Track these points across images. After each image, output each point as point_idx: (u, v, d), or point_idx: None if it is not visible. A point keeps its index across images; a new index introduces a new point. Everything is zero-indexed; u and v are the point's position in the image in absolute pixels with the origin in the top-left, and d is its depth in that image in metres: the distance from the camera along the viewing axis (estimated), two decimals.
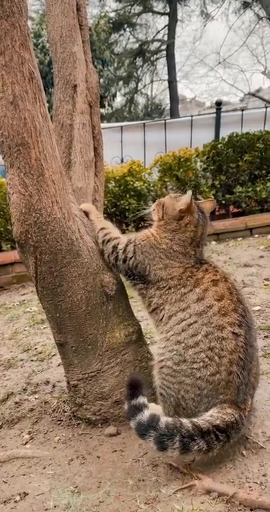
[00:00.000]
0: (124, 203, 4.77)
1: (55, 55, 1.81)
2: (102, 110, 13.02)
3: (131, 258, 1.62)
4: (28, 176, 1.44)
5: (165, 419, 1.36)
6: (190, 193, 1.62)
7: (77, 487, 1.44)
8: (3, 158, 1.48)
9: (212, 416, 1.38)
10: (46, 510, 1.34)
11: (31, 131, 1.41)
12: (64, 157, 1.78)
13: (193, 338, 1.46)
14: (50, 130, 1.48)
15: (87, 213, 1.75)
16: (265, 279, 3.26)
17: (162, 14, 17.04)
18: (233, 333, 1.44)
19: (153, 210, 1.73)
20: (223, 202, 5.23)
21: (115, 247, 1.66)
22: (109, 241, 1.68)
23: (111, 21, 13.96)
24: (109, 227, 1.74)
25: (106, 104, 13.03)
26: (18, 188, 1.46)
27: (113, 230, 1.73)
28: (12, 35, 1.32)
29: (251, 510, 1.22)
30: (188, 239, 1.62)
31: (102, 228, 1.72)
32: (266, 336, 2.36)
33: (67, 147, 1.80)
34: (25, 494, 1.42)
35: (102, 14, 12.51)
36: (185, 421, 1.36)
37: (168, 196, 1.74)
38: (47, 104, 1.51)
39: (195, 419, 1.37)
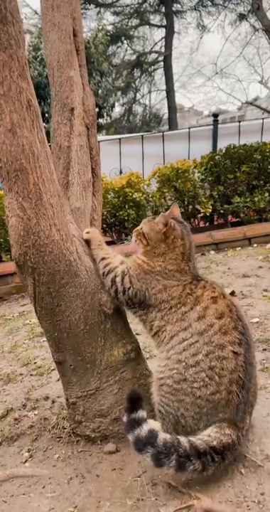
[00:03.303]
0: (123, 214, 4.82)
1: (52, 79, 1.85)
2: (101, 120, 13.12)
3: (129, 288, 1.62)
4: (27, 200, 1.48)
5: (163, 437, 1.38)
6: (161, 214, 1.65)
7: (76, 507, 1.45)
8: (1, 183, 1.52)
9: (209, 436, 1.40)
10: None
11: (29, 157, 1.45)
12: (62, 178, 1.82)
13: (194, 358, 1.47)
14: (47, 155, 1.51)
15: (88, 242, 1.74)
16: (264, 290, 3.28)
17: (159, 27, 17.27)
18: (233, 352, 1.45)
19: (135, 241, 1.73)
20: (222, 212, 5.28)
21: (113, 281, 1.65)
22: (108, 273, 1.67)
23: (108, 34, 14.14)
24: (109, 255, 1.72)
25: (104, 114, 13.14)
26: (16, 211, 1.49)
27: (113, 259, 1.71)
28: (10, 67, 1.37)
29: None
30: (179, 255, 1.63)
31: (103, 258, 1.70)
32: (264, 349, 2.37)
33: (65, 168, 1.83)
34: None
35: (100, 27, 12.66)
36: (182, 440, 1.38)
37: (143, 223, 1.73)
38: (45, 127, 1.55)
39: (192, 439, 1.39)
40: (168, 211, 1.77)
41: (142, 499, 1.43)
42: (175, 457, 1.33)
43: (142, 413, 1.42)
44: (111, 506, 1.42)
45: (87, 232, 1.76)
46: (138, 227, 1.75)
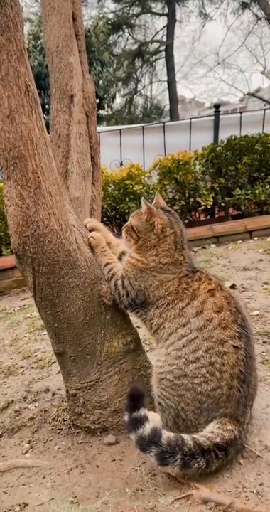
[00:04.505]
0: (124, 207, 4.79)
1: (51, 65, 1.82)
2: (101, 112, 13.02)
3: (131, 290, 1.61)
4: (25, 189, 1.45)
5: (167, 435, 1.36)
6: (142, 199, 1.63)
7: (76, 497, 1.45)
8: (0, 171, 1.49)
9: (212, 433, 1.39)
10: None
11: (28, 144, 1.42)
12: (61, 167, 1.80)
13: (194, 354, 1.45)
14: (46, 142, 1.49)
15: (92, 248, 1.72)
16: (264, 283, 3.27)
17: (160, 15, 17.06)
18: (234, 346, 1.44)
19: (126, 237, 1.70)
20: (222, 204, 5.24)
21: (116, 285, 1.65)
22: (111, 278, 1.67)
23: (109, 22, 13.98)
24: (113, 259, 1.72)
25: (105, 105, 13.04)
26: (15, 200, 1.47)
27: (116, 264, 1.71)
28: (8, 50, 1.34)
29: None
30: (172, 244, 1.61)
31: (106, 264, 1.70)
32: (264, 342, 2.36)
33: (64, 157, 1.81)
34: (25, 505, 1.43)
35: (101, 15, 12.51)
36: (186, 438, 1.37)
37: (131, 216, 1.71)
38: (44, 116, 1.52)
39: (196, 436, 1.38)
40: (153, 201, 1.74)
41: (141, 489, 1.43)
42: (179, 456, 1.32)
43: (144, 411, 1.41)
44: (111, 496, 1.41)
45: (92, 237, 1.73)
46: (128, 222, 1.71)
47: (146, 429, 1.36)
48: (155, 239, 1.62)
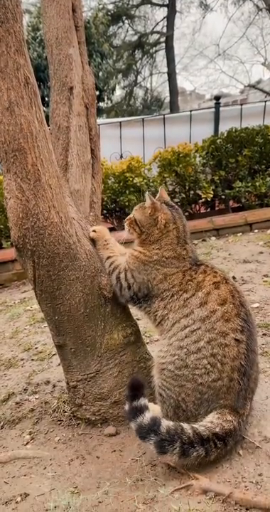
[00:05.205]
0: (124, 199, 4.77)
1: (50, 56, 1.80)
2: (101, 104, 12.93)
3: (133, 283, 1.62)
4: (25, 181, 1.45)
5: (166, 424, 1.37)
6: (147, 194, 1.63)
7: (76, 487, 1.46)
8: (0, 164, 1.49)
9: (212, 423, 1.40)
10: (46, 510, 1.36)
11: (27, 137, 1.41)
12: (61, 159, 1.79)
13: (196, 344, 1.46)
14: (46, 135, 1.48)
15: (94, 241, 1.72)
16: (264, 276, 3.27)
17: (161, 6, 16.88)
18: (235, 339, 1.44)
19: (129, 230, 1.70)
20: (223, 197, 5.23)
21: (118, 278, 1.65)
22: (113, 271, 1.67)
23: (109, 13, 13.83)
24: (114, 253, 1.71)
25: (105, 97, 12.94)
26: (15, 193, 1.47)
27: (118, 257, 1.70)
28: (7, 42, 1.32)
29: (246, 509, 1.24)
30: (174, 239, 1.61)
31: (108, 257, 1.70)
32: (264, 334, 2.37)
33: (64, 149, 1.80)
34: (26, 495, 1.45)
35: (100, 6, 12.37)
36: (186, 426, 1.38)
37: (135, 210, 1.71)
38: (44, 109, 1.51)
39: (195, 426, 1.39)
40: (157, 195, 1.75)
41: (141, 479, 1.45)
42: (178, 444, 1.33)
43: (144, 401, 1.42)
44: (111, 486, 1.43)
45: (93, 231, 1.73)
46: (130, 215, 1.72)
47: (146, 417, 1.38)
48: (158, 233, 1.62)
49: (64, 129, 1.79)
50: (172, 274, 1.58)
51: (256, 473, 1.37)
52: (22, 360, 2.52)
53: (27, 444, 1.76)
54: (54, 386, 2.14)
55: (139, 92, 19.19)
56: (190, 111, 5.89)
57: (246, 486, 1.33)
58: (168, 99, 17.95)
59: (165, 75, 17.41)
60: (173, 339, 1.52)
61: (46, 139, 1.48)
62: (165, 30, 16.58)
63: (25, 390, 2.15)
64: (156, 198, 1.70)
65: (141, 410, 1.40)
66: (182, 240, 1.63)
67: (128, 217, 1.73)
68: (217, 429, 1.38)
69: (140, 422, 1.38)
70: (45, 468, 1.60)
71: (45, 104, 8.69)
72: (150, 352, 1.86)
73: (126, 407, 1.44)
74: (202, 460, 1.37)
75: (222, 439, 1.38)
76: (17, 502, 1.43)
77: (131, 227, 1.68)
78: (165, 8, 16.50)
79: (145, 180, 4.84)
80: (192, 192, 5.09)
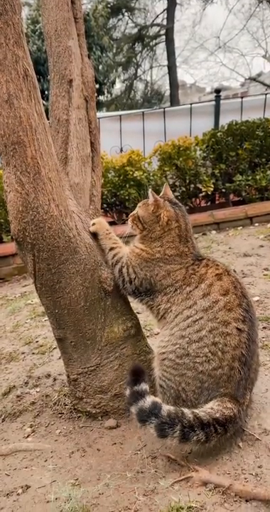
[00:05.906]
0: (124, 193, 4.76)
1: (50, 49, 1.79)
2: (101, 97, 12.84)
3: (135, 278, 1.63)
4: (25, 174, 1.44)
5: (167, 408, 1.39)
6: (150, 191, 1.64)
7: (77, 479, 1.47)
8: None
9: (212, 409, 1.41)
10: (47, 502, 1.38)
11: (27, 130, 1.41)
12: (61, 153, 1.78)
13: (198, 333, 1.48)
14: (45, 127, 1.47)
15: (95, 235, 1.72)
16: (264, 269, 3.27)
17: None
18: (237, 328, 1.46)
19: (132, 226, 1.72)
20: (223, 190, 5.21)
21: (120, 271, 1.66)
22: (116, 264, 1.68)
23: (109, 6, 13.69)
24: (117, 245, 1.72)
25: (105, 91, 12.85)
26: (14, 186, 1.46)
27: (121, 249, 1.71)
28: (5, 33, 1.31)
29: (246, 501, 1.25)
30: (176, 237, 1.63)
31: (111, 249, 1.71)
32: (264, 327, 2.38)
33: (63, 142, 1.79)
34: (27, 487, 1.46)
35: None
36: (186, 411, 1.39)
37: (138, 206, 1.72)
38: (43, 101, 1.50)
39: (196, 410, 1.40)
40: (161, 192, 1.75)
41: (142, 472, 1.46)
42: (179, 427, 1.34)
43: (145, 386, 1.43)
44: (112, 478, 1.44)
45: (93, 224, 1.73)
46: (134, 212, 1.73)
47: (147, 401, 1.39)
48: (160, 231, 1.64)
49: (63, 122, 1.78)
50: (175, 270, 1.60)
51: (255, 466, 1.38)
52: (23, 353, 2.53)
53: (28, 436, 1.77)
54: (55, 379, 2.15)
55: (139, 86, 19.08)
56: (191, 104, 5.85)
57: (245, 478, 1.33)
58: (168, 93, 17.84)
59: (166, 68, 17.28)
60: (175, 329, 1.54)
61: (45, 132, 1.47)
62: (165, 22, 16.43)
63: (26, 383, 2.16)
64: (160, 194, 1.71)
65: (142, 394, 1.40)
66: (184, 239, 1.64)
67: (131, 213, 1.74)
68: (218, 415, 1.39)
69: (141, 405, 1.38)
70: (46, 460, 1.61)
71: (45, 97, 8.64)
72: (151, 345, 1.87)
73: (127, 392, 1.44)
74: (201, 446, 1.37)
75: (222, 424, 1.38)
76: (18, 494, 1.44)
77: (134, 224, 1.71)
78: (165, 1, 16.33)
79: (145, 174, 4.82)
80: (192, 185, 5.08)
